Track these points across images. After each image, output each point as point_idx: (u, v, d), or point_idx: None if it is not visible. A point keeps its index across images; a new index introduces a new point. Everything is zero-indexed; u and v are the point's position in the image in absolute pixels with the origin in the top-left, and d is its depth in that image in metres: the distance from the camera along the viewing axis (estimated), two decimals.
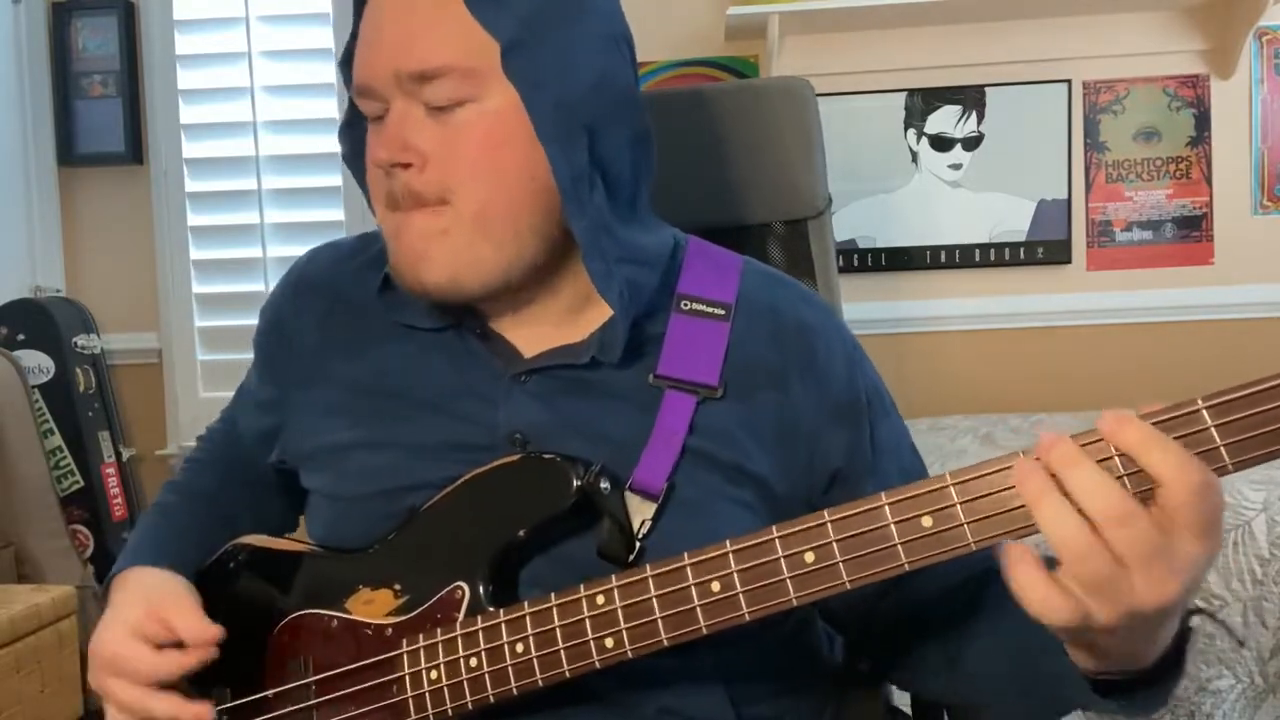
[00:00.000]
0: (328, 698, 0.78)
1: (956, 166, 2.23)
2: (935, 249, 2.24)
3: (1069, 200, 2.22)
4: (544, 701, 0.74)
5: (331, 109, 2.33)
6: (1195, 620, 0.65)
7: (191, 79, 2.36)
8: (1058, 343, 2.24)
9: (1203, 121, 2.20)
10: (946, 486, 0.62)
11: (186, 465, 1.02)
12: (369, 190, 0.84)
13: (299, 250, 1.00)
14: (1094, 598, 0.56)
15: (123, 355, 2.42)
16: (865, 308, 2.16)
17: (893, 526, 0.63)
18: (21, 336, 2.27)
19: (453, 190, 0.77)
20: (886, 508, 0.63)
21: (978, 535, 0.61)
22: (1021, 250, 2.23)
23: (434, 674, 0.74)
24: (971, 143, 2.23)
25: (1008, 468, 0.60)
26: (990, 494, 0.61)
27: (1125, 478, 0.57)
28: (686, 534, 0.71)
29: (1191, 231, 2.21)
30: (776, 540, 0.66)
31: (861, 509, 0.64)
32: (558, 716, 0.76)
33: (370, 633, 0.78)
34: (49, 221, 2.40)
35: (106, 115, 2.37)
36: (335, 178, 2.33)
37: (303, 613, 0.82)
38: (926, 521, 0.62)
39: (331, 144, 2.28)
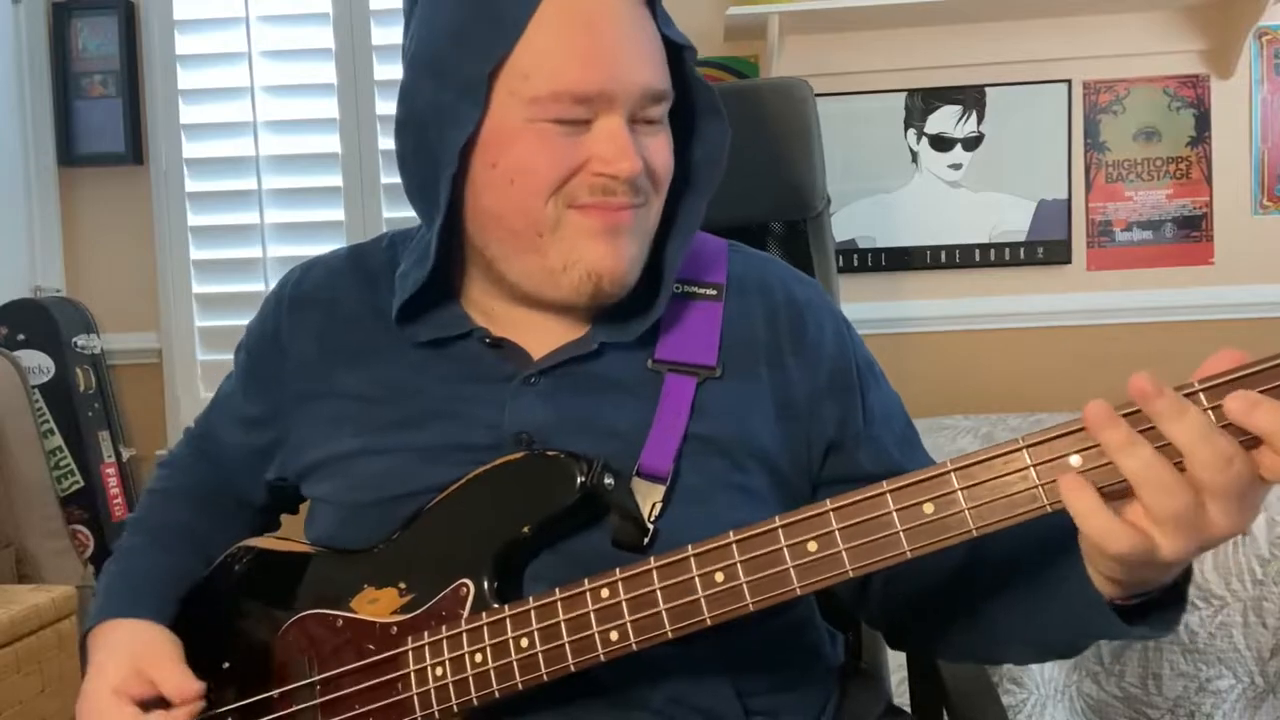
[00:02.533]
0: (333, 697, 0.79)
1: (956, 166, 2.23)
2: (935, 249, 2.24)
3: (1069, 200, 2.22)
4: (550, 696, 0.74)
5: (332, 109, 2.33)
6: None
7: (191, 79, 2.36)
8: (1058, 343, 2.24)
9: (1203, 121, 2.19)
10: (947, 473, 0.62)
11: (148, 496, 1.00)
12: (528, 190, 0.79)
13: (299, 250, 1.00)
14: (1170, 534, 0.58)
15: (123, 355, 2.42)
16: (865, 308, 2.16)
17: (894, 514, 0.63)
18: (21, 336, 2.27)
19: (651, 196, 0.82)
20: (888, 495, 0.64)
21: (979, 521, 0.62)
22: (1021, 250, 2.23)
23: (439, 670, 0.75)
24: (971, 143, 2.23)
25: (1008, 453, 0.61)
26: (991, 479, 0.61)
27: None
28: (693, 521, 0.72)
29: (1191, 231, 2.21)
30: (779, 530, 0.66)
31: (863, 497, 0.64)
32: (564, 710, 0.76)
33: (375, 631, 0.78)
34: (49, 221, 2.40)
35: (106, 115, 2.37)
36: (335, 178, 2.33)
37: (308, 613, 0.82)
38: (928, 508, 0.62)
39: (332, 144, 2.31)
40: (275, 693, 0.81)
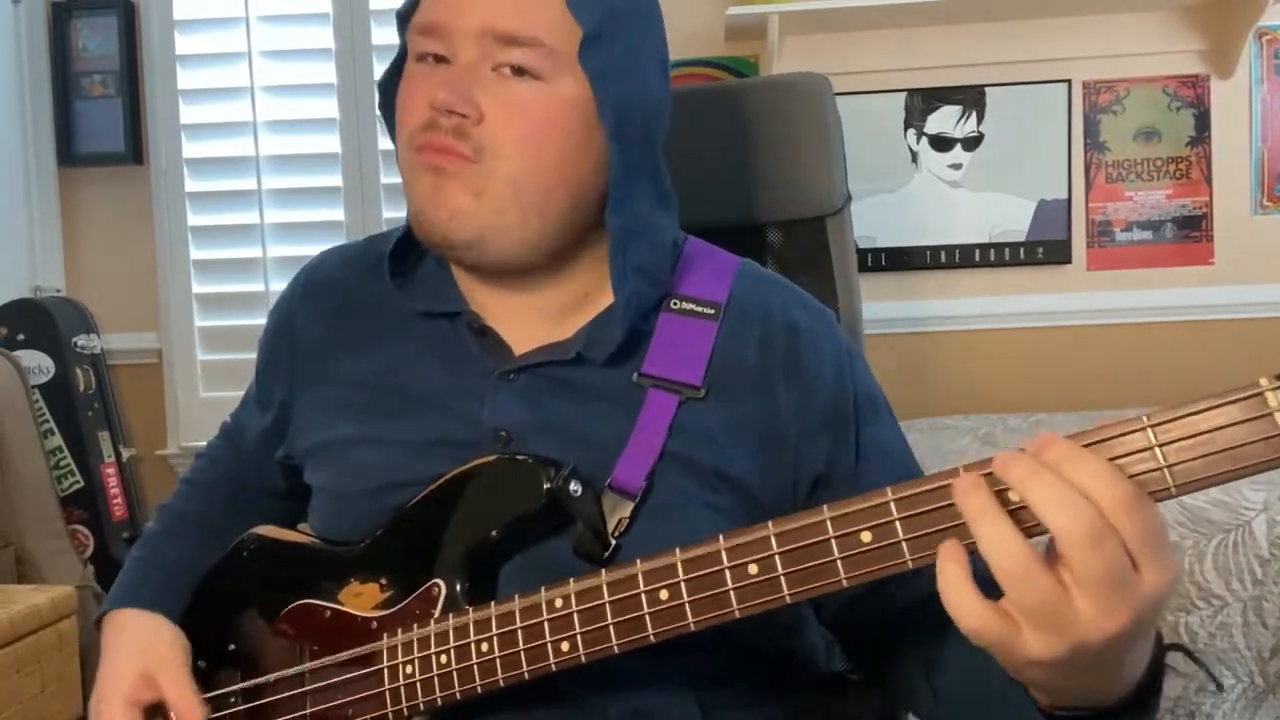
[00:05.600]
0: (319, 685, 0.81)
1: (956, 166, 2.23)
2: (935, 249, 2.24)
3: (1069, 200, 2.22)
4: (514, 700, 0.75)
5: (332, 109, 2.33)
6: (1171, 657, 0.62)
7: (191, 79, 2.36)
8: (1058, 343, 2.24)
9: (1203, 121, 2.19)
10: (887, 501, 0.60)
11: (180, 487, 1.03)
12: (396, 130, 0.84)
13: (299, 250, 1.01)
14: (1034, 626, 0.53)
15: (123, 355, 2.42)
16: (864, 308, 2.15)
17: (833, 540, 0.62)
18: (21, 336, 2.27)
19: (493, 154, 0.78)
20: (828, 521, 0.62)
21: (915, 553, 0.59)
22: (1021, 250, 2.23)
23: (409, 668, 0.76)
24: (971, 143, 2.23)
25: (948, 484, 0.58)
26: (930, 510, 0.59)
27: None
28: (661, 537, 0.71)
29: (1191, 231, 2.21)
30: (723, 551, 0.65)
31: (805, 522, 0.63)
32: (526, 714, 0.77)
33: (358, 624, 0.81)
34: (49, 221, 2.40)
35: (106, 115, 2.37)
36: (335, 178, 2.33)
37: (301, 602, 0.85)
38: (865, 536, 0.61)
39: (332, 144, 2.32)
40: (272, 677, 0.84)
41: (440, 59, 0.80)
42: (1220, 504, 1.48)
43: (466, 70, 0.78)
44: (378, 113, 0.89)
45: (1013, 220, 2.23)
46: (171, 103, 2.35)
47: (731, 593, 0.65)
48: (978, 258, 2.24)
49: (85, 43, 2.38)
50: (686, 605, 0.66)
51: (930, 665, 0.78)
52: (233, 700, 0.86)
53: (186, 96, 2.35)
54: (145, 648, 0.87)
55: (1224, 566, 1.49)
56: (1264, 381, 0.53)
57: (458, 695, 0.74)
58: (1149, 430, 0.54)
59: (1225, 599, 1.48)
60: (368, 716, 0.78)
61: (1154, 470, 0.54)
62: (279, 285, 1.00)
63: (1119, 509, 0.51)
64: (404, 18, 0.84)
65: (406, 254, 0.90)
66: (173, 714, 0.84)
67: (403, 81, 0.83)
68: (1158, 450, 0.54)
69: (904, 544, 0.60)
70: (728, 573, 0.65)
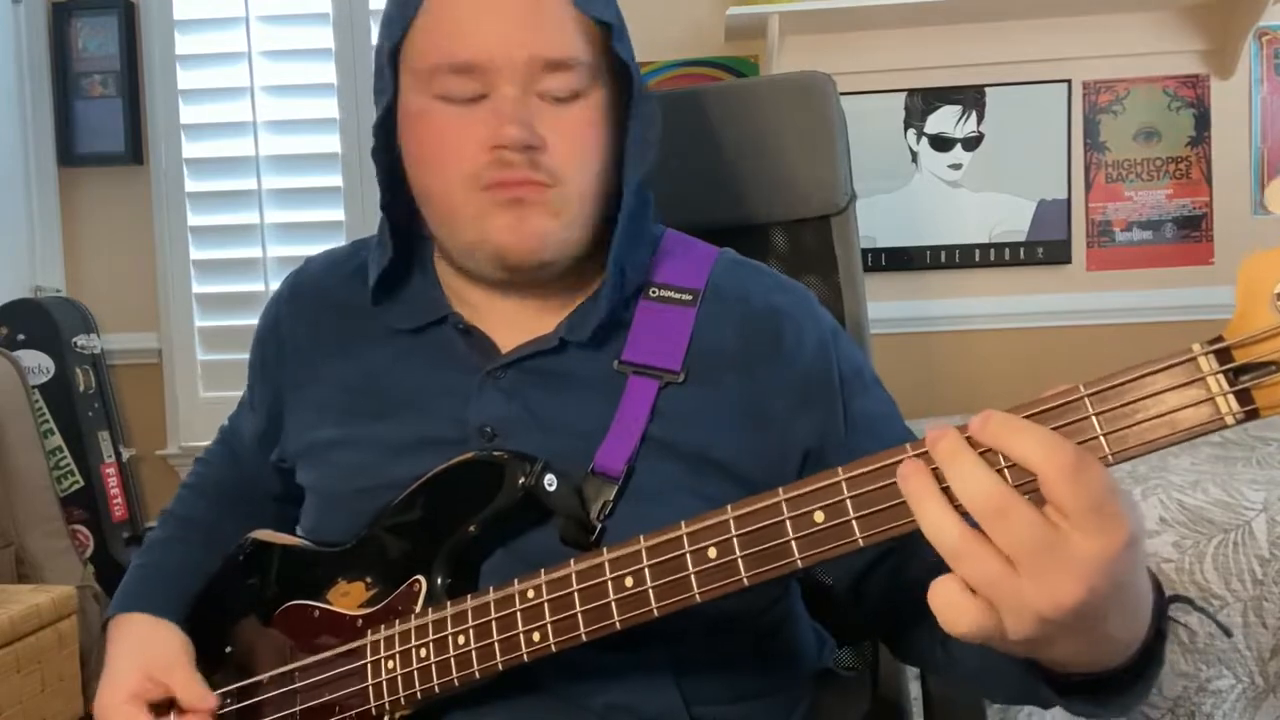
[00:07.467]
0: (308, 682, 0.82)
1: (956, 166, 2.23)
2: (935, 249, 2.24)
3: (1069, 200, 2.22)
4: (498, 694, 0.76)
5: (332, 109, 2.33)
6: (1176, 611, 0.62)
7: (191, 79, 2.36)
8: (1058, 343, 2.24)
9: (1203, 121, 2.20)
10: (838, 481, 0.61)
11: (180, 492, 1.04)
12: (435, 174, 0.82)
13: (299, 250, 1.01)
14: (994, 605, 0.52)
15: (123, 355, 2.42)
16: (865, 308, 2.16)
17: (787, 522, 0.62)
18: (21, 336, 2.27)
19: (563, 176, 0.80)
20: (783, 503, 0.63)
21: (866, 530, 0.60)
22: (1021, 250, 2.23)
23: (390, 664, 0.77)
24: (971, 143, 2.23)
25: (899, 461, 0.58)
26: (879, 488, 0.59)
27: (1006, 470, 0.54)
28: (644, 520, 0.71)
29: (1191, 231, 2.21)
30: (684, 535, 0.66)
31: (761, 504, 0.63)
32: (508, 707, 0.78)
33: (344, 623, 0.82)
34: (49, 221, 2.40)
35: (106, 115, 2.38)
36: (335, 178, 2.33)
37: (293, 603, 0.86)
38: (818, 516, 0.61)
39: (331, 144, 2.32)
40: (264, 676, 0.85)
41: (474, 99, 0.79)
42: (1220, 504, 1.48)
43: (518, 103, 0.78)
44: (370, 156, 0.87)
45: (1013, 220, 2.23)
46: (171, 103, 2.35)
47: (692, 577, 0.65)
48: (978, 258, 2.24)
49: (85, 43, 2.38)
50: (650, 591, 0.67)
51: (943, 645, 0.78)
52: (227, 701, 0.87)
53: (186, 96, 2.35)
54: (148, 650, 0.88)
55: (1224, 566, 1.49)
56: (1196, 347, 0.54)
57: (436, 689, 0.75)
58: (1085, 400, 0.56)
59: (1225, 599, 1.48)
60: (353, 712, 0.79)
61: (1090, 439, 0.54)
62: (279, 285, 1.01)
63: (1060, 478, 0.51)
64: (395, 51, 0.82)
65: (389, 275, 0.90)
66: (186, 709, 0.85)
67: (427, 125, 0.81)
68: (1094, 419, 0.55)
69: (854, 522, 0.60)
70: (688, 557, 0.66)
